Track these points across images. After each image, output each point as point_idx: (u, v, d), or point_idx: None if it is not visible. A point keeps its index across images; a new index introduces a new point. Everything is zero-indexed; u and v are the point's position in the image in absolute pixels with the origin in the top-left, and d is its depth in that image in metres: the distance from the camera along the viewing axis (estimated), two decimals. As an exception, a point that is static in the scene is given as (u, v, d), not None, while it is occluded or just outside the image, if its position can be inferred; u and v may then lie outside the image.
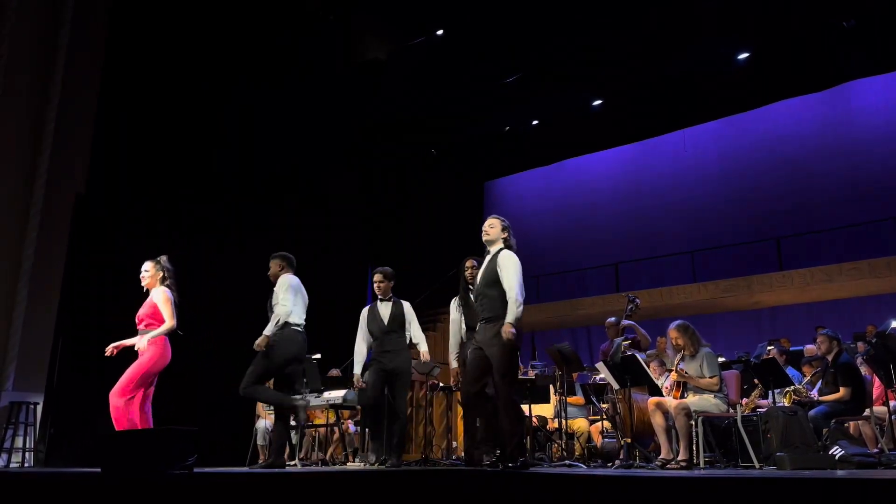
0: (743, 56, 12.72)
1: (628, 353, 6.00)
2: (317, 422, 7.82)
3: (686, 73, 13.19)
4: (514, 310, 4.33)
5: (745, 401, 6.47)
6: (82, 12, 8.61)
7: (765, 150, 13.88)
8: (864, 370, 6.31)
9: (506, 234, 4.70)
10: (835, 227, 12.44)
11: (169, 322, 4.98)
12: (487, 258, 4.66)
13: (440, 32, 12.75)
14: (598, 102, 14.45)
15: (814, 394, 6.26)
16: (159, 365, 4.93)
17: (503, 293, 4.42)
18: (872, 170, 12.64)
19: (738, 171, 14.12)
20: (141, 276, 5.22)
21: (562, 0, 11.53)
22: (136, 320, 5.07)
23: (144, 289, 5.20)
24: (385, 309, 5.77)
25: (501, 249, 4.61)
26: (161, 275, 5.19)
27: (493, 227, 4.71)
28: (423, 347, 5.84)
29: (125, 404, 4.75)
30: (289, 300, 5.18)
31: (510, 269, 4.49)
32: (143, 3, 9.24)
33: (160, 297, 5.05)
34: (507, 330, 4.25)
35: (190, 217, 9.37)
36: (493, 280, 4.48)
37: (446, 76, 13.34)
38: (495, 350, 4.31)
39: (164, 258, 5.29)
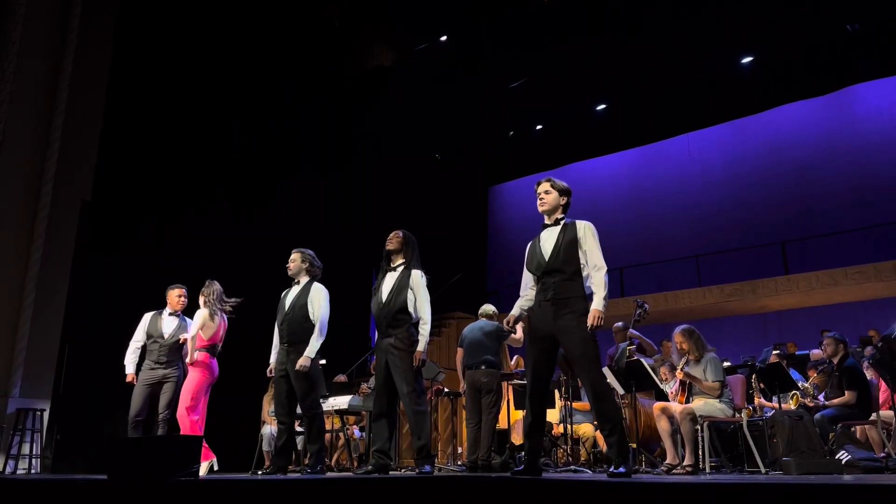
0: (747, 60, 12.71)
1: (634, 359, 5.98)
2: (322, 427, 7.82)
3: (691, 78, 13.19)
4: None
5: (749, 408, 6.45)
6: (90, 21, 8.67)
7: (769, 154, 13.87)
8: (870, 374, 6.29)
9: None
10: (840, 231, 12.41)
11: None
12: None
13: (444, 38, 12.80)
14: (602, 107, 14.46)
15: (820, 398, 6.24)
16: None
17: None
18: (877, 173, 12.61)
19: (743, 175, 14.10)
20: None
21: (565, 4, 11.56)
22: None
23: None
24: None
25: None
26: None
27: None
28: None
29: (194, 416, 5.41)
30: None
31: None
32: (150, 13, 9.31)
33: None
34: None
35: (196, 225, 9.41)
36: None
37: (451, 81, 13.37)
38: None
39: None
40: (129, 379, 5.71)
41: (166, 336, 5.76)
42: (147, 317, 5.89)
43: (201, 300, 5.69)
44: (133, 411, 5.58)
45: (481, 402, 6.21)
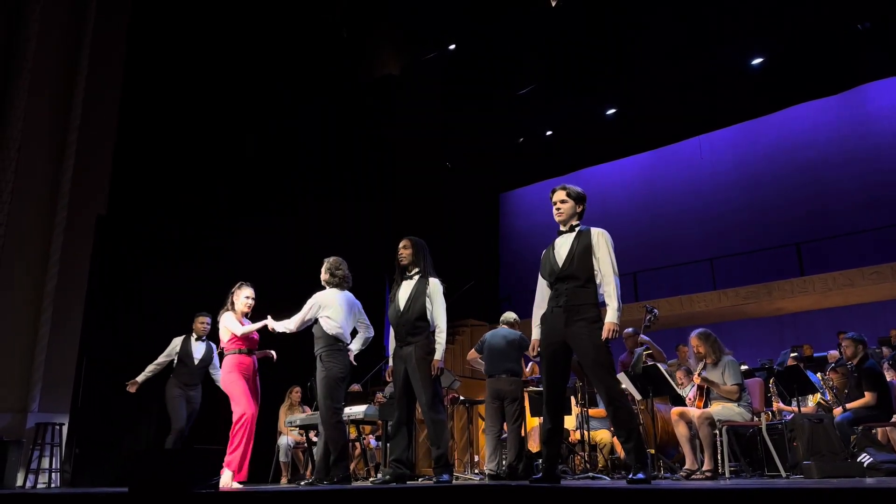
0: (757, 61, 12.66)
1: (650, 364, 5.95)
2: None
3: (701, 80, 13.16)
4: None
5: (768, 412, 6.39)
6: (102, 37, 8.77)
7: (782, 154, 13.79)
8: (889, 375, 6.21)
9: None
10: (855, 230, 12.31)
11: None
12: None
13: (452, 47, 12.85)
14: (612, 111, 14.43)
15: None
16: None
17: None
18: (892, 171, 12.51)
19: (756, 177, 14.03)
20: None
21: (573, 9, 11.57)
22: None
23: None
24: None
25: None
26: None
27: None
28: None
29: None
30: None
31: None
32: (162, 28, 9.41)
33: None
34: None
35: (212, 238, 9.46)
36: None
37: (460, 87, 13.41)
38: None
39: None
40: (131, 387, 6.14)
41: (196, 360, 6.17)
42: (177, 341, 6.29)
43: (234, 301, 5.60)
44: (179, 423, 5.90)
45: (505, 410, 6.18)
